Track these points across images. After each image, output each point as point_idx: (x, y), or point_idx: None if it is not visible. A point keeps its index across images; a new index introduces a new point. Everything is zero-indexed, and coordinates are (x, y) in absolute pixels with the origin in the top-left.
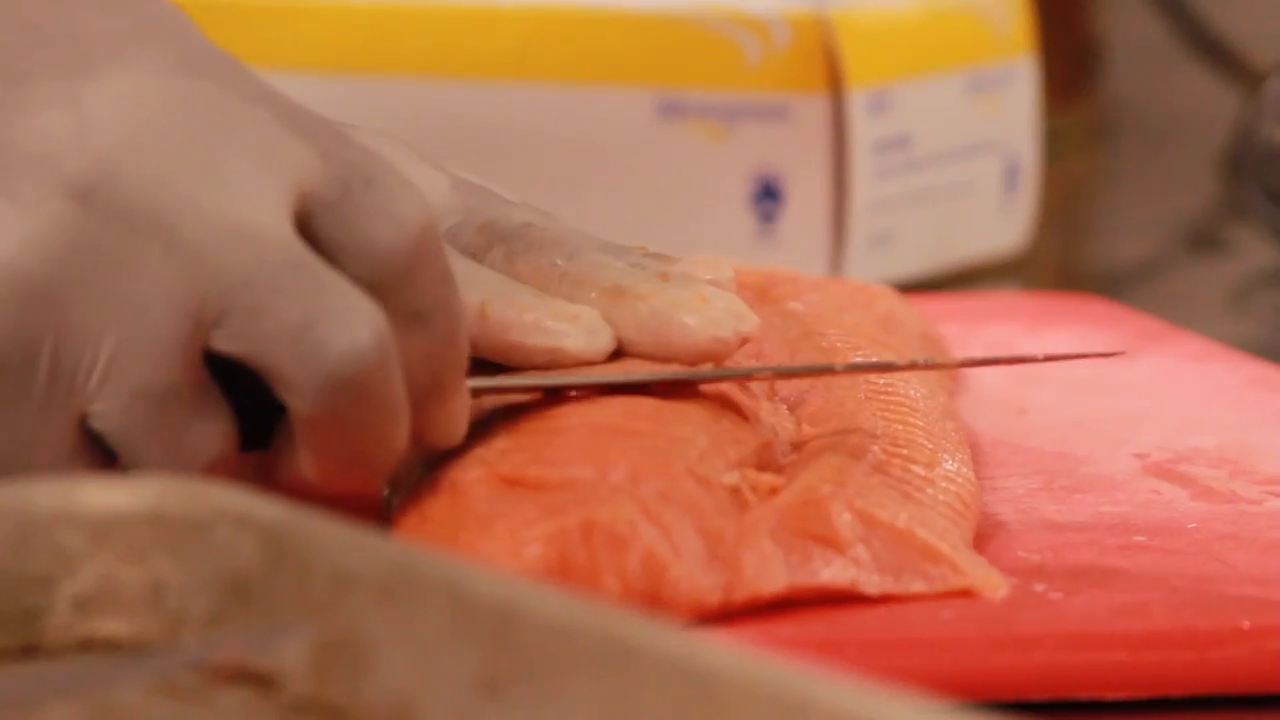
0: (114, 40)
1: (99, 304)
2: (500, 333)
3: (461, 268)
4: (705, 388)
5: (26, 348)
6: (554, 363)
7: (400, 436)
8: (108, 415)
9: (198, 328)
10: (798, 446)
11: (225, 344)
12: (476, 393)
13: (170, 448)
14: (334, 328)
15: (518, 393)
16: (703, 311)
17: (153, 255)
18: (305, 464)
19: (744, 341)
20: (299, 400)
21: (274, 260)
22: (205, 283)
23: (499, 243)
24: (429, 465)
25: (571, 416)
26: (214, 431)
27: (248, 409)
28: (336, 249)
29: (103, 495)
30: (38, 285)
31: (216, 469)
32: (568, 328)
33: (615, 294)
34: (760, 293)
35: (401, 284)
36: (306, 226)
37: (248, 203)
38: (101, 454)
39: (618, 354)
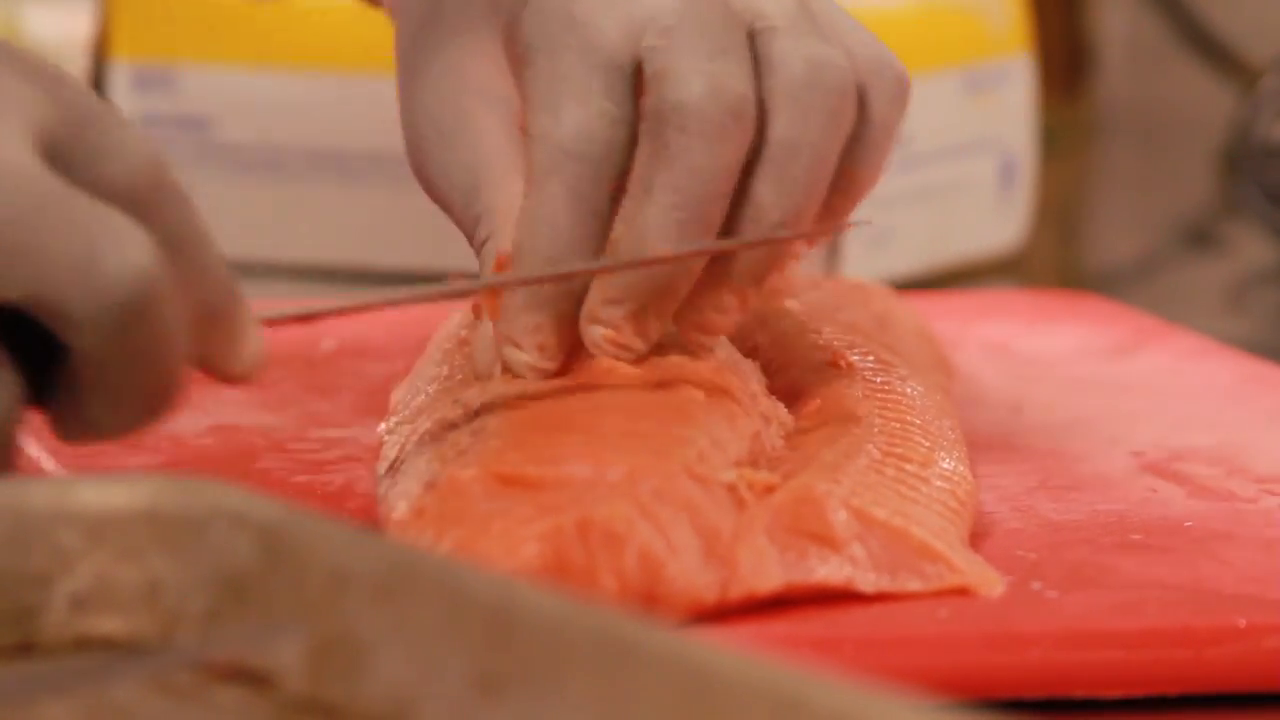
0: None
1: None
2: None
3: None
4: (703, 387)
5: None
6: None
7: (180, 364)
8: None
9: None
10: (795, 443)
11: (2, 291)
12: (272, 322)
13: None
14: (112, 252)
15: (315, 318)
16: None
17: None
18: (93, 408)
19: None
20: (86, 334)
21: (38, 194)
22: None
23: None
24: (412, 414)
25: (570, 415)
26: (4, 386)
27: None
28: (79, 186)
29: (99, 494)
30: None
31: (10, 427)
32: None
33: None
34: None
35: (143, 217)
36: (48, 166)
37: None
38: None
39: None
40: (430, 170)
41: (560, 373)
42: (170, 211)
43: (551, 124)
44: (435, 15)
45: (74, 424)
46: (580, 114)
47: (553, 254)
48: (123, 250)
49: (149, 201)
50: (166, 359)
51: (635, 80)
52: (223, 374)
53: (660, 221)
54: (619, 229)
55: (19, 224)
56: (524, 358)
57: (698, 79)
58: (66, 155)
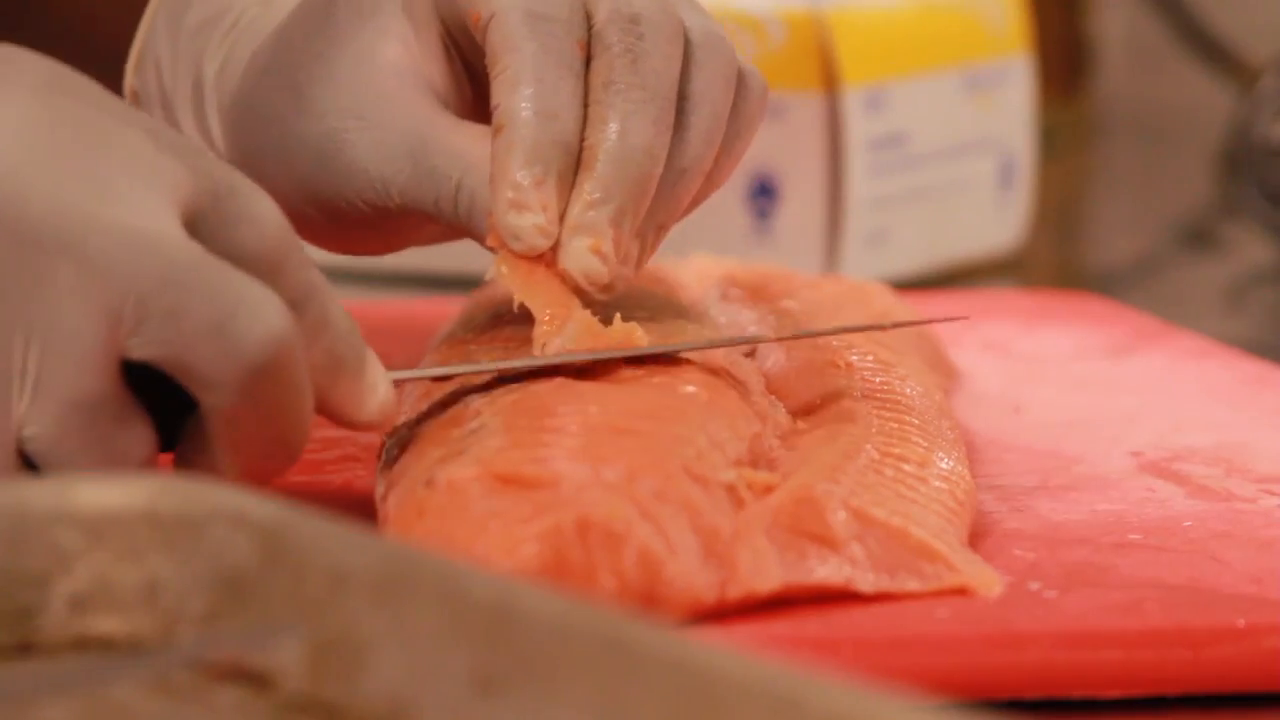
0: None
1: (20, 323)
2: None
3: None
4: (702, 387)
5: None
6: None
7: (308, 418)
8: (40, 436)
9: (116, 336)
10: (793, 444)
11: (143, 350)
12: (401, 382)
13: (101, 459)
14: (248, 318)
15: (443, 378)
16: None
17: (65, 271)
18: (222, 462)
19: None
20: (218, 395)
21: (181, 262)
22: (120, 291)
23: None
24: (417, 421)
25: (569, 415)
26: (138, 439)
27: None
28: (217, 252)
29: (98, 494)
30: None
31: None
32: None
33: None
34: (755, 291)
35: (272, 279)
36: (189, 234)
37: (144, 214)
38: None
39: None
40: (354, 157)
41: (560, 371)
42: (297, 271)
43: None
44: (327, 12)
45: (203, 473)
46: None
47: (545, 108)
48: (257, 315)
49: (279, 263)
50: (292, 416)
51: None
52: (350, 422)
53: (635, 114)
54: (592, 136)
55: (162, 290)
56: (530, 219)
57: None
58: (205, 223)
